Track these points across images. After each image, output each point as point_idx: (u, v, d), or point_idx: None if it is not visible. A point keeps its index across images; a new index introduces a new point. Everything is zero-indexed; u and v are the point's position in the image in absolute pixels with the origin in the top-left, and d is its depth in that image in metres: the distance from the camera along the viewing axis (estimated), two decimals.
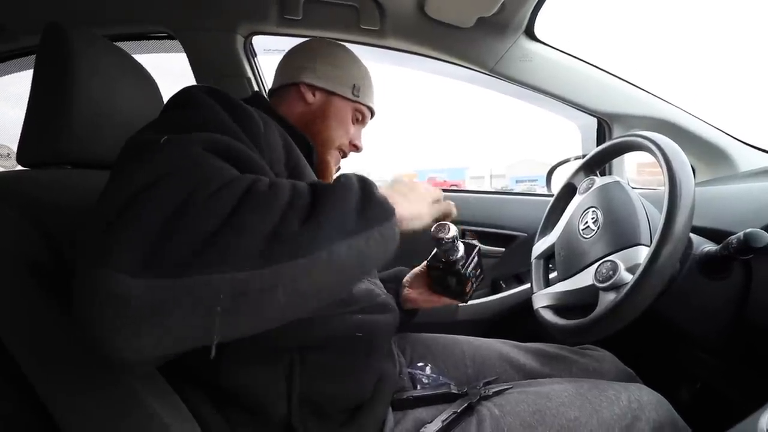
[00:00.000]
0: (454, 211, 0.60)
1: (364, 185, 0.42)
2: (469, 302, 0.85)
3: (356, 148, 0.77)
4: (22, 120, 0.57)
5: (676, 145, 0.60)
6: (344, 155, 0.77)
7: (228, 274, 0.29)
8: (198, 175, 0.33)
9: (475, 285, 0.71)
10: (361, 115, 0.77)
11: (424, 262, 0.74)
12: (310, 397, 0.51)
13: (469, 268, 0.67)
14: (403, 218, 0.46)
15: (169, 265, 0.28)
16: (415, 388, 0.67)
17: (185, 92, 0.48)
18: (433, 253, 0.70)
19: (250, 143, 0.45)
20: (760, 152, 1.10)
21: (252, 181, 0.35)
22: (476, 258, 0.68)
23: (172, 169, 0.32)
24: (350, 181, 0.41)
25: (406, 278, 0.78)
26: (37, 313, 0.42)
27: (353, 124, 0.76)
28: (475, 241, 0.69)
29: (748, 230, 0.54)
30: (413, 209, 0.49)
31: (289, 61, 0.75)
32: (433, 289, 0.75)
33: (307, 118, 0.71)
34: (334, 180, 0.42)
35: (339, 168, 0.78)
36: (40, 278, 0.43)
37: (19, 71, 1.21)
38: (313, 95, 0.71)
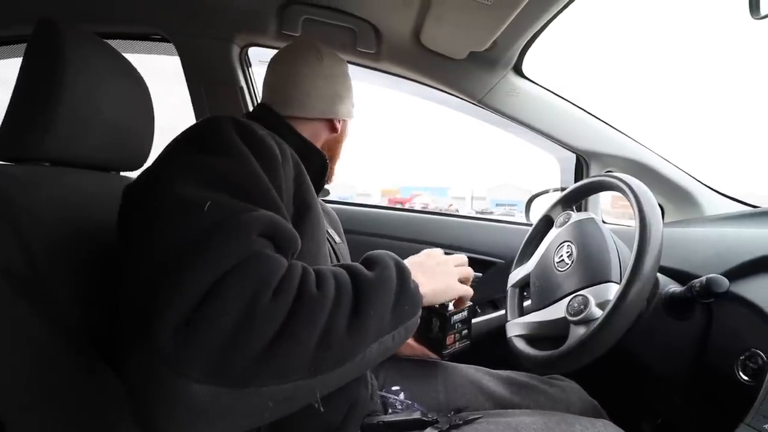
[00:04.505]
0: (472, 275, 0.63)
1: (401, 276, 0.43)
2: None
3: None
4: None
5: (647, 189, 0.64)
6: None
7: (280, 386, 0.32)
8: (257, 273, 0.34)
9: (458, 344, 0.72)
10: None
11: None
12: (281, 422, 0.50)
13: (456, 317, 0.68)
14: (426, 296, 0.48)
15: (231, 376, 0.30)
16: (386, 412, 0.66)
17: (215, 130, 0.46)
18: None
19: (275, 193, 0.44)
20: (724, 198, 1.17)
21: (300, 279, 0.36)
22: (466, 313, 0.69)
23: (235, 263, 0.33)
24: (389, 273, 0.42)
25: None
26: (5, 320, 0.41)
27: None
28: (470, 303, 0.71)
29: (710, 275, 0.58)
30: (438, 286, 0.52)
31: (321, 89, 0.72)
32: (415, 335, 0.75)
33: (330, 144, 0.75)
34: (373, 264, 0.43)
35: None
36: (10, 281, 0.41)
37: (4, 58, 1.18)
38: (339, 124, 0.74)
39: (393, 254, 0.47)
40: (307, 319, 0.34)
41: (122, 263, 0.39)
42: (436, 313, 0.68)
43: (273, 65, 0.74)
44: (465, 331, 0.71)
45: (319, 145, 0.70)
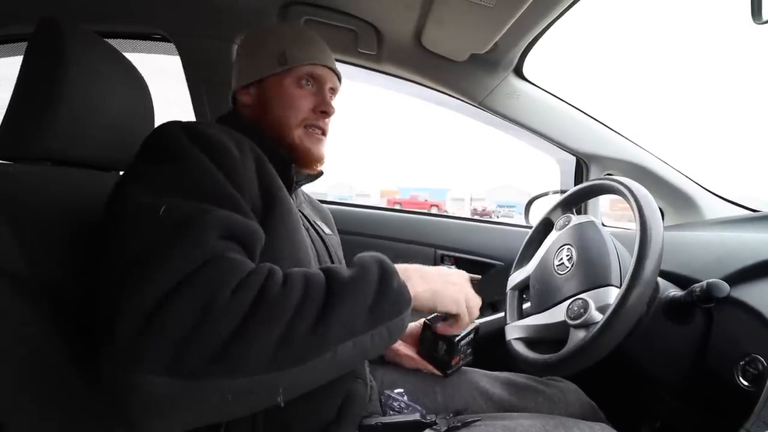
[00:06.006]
0: (480, 303, 0.60)
1: (383, 275, 0.43)
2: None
3: (324, 114, 0.68)
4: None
5: (648, 193, 0.64)
6: (321, 129, 0.68)
7: (237, 380, 0.33)
8: (216, 276, 0.35)
9: (462, 362, 0.73)
10: (308, 77, 0.67)
11: (422, 320, 0.75)
12: (276, 417, 0.50)
13: (463, 342, 0.69)
14: (422, 297, 0.49)
15: (188, 369, 0.32)
16: (384, 413, 0.66)
17: (166, 137, 0.48)
18: (433, 315, 0.71)
19: (232, 190, 0.45)
20: (724, 202, 1.17)
21: (264, 279, 0.37)
22: (472, 335, 0.70)
23: (195, 267, 0.35)
24: (369, 272, 0.43)
25: None
26: (4, 319, 0.40)
27: (302, 92, 0.66)
28: (476, 323, 0.71)
29: (711, 280, 0.57)
30: (436, 287, 0.51)
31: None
32: (420, 351, 0.76)
33: (257, 119, 0.66)
34: (354, 266, 0.44)
35: (323, 132, 0.69)
36: (10, 280, 0.41)
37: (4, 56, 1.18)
38: (249, 94, 0.67)
39: (381, 256, 0.47)
40: (266, 317, 0.35)
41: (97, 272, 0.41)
42: (444, 338, 0.69)
43: None
44: (469, 350, 0.72)
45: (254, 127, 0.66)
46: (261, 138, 0.62)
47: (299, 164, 0.67)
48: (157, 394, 0.31)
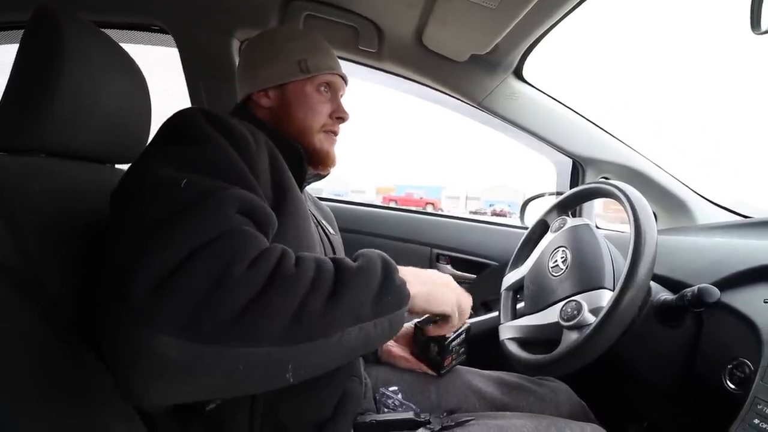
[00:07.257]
0: (470, 303, 0.60)
1: (386, 270, 0.45)
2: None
3: (341, 119, 0.72)
4: None
5: (643, 198, 0.65)
6: (335, 133, 0.72)
7: (250, 349, 0.34)
8: (235, 245, 0.36)
9: (455, 362, 0.74)
10: (326, 84, 0.70)
11: (414, 321, 0.76)
12: (272, 414, 0.50)
13: (454, 343, 0.70)
14: (417, 298, 0.49)
15: (203, 333, 0.32)
16: (379, 412, 0.67)
17: (186, 121, 0.49)
18: (425, 316, 0.71)
19: (250, 174, 0.46)
20: (717, 207, 1.18)
21: (279, 257, 0.38)
22: (463, 335, 0.71)
23: (214, 236, 0.36)
24: (373, 265, 0.44)
25: None
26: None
27: (321, 98, 0.70)
28: (467, 323, 0.72)
29: (702, 285, 0.59)
30: (430, 290, 0.52)
31: (237, 78, 0.73)
32: (414, 352, 0.77)
33: (276, 121, 0.68)
34: (358, 259, 0.45)
35: (335, 135, 0.72)
36: (3, 273, 0.40)
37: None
38: (268, 97, 0.68)
39: (383, 253, 0.48)
40: (281, 291, 0.36)
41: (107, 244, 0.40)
42: (435, 340, 0.70)
43: None
44: (461, 350, 0.73)
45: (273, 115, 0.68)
46: (274, 133, 0.62)
47: (316, 166, 0.70)
48: (168, 357, 0.31)
